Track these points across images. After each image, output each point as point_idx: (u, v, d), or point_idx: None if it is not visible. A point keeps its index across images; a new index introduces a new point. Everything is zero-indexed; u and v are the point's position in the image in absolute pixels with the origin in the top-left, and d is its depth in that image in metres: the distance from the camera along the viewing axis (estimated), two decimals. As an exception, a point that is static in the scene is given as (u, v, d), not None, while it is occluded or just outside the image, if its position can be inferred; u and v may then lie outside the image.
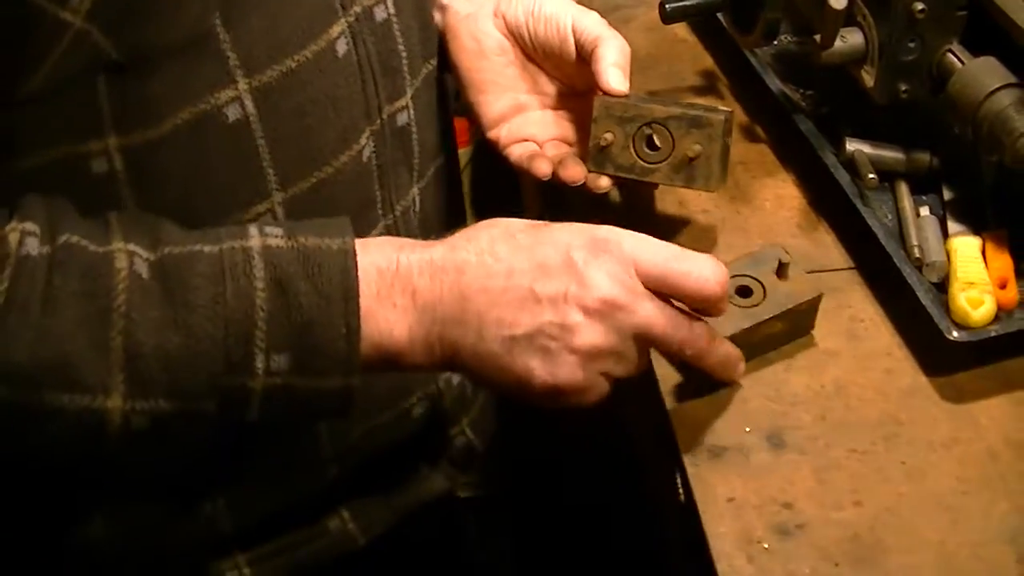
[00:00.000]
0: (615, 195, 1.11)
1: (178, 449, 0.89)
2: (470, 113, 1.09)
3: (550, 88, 1.09)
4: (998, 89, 0.97)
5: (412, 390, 1.06)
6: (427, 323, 0.83)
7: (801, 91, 1.20)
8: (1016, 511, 0.87)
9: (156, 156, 0.83)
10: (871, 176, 1.04)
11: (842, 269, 1.06)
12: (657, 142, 1.01)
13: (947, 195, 1.07)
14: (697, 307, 0.87)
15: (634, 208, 1.12)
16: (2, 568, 0.99)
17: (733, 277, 0.96)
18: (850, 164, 1.07)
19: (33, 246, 0.76)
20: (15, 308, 0.74)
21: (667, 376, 0.98)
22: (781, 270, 0.97)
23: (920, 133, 1.10)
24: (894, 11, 1.02)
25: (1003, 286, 0.97)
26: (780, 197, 1.14)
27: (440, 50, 1.08)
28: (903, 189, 1.08)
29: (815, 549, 0.85)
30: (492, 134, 1.07)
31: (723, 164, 1.01)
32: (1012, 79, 0.98)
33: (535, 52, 1.06)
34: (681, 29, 1.35)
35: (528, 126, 1.07)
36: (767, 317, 0.95)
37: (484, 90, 1.07)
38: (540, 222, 0.86)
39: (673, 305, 0.86)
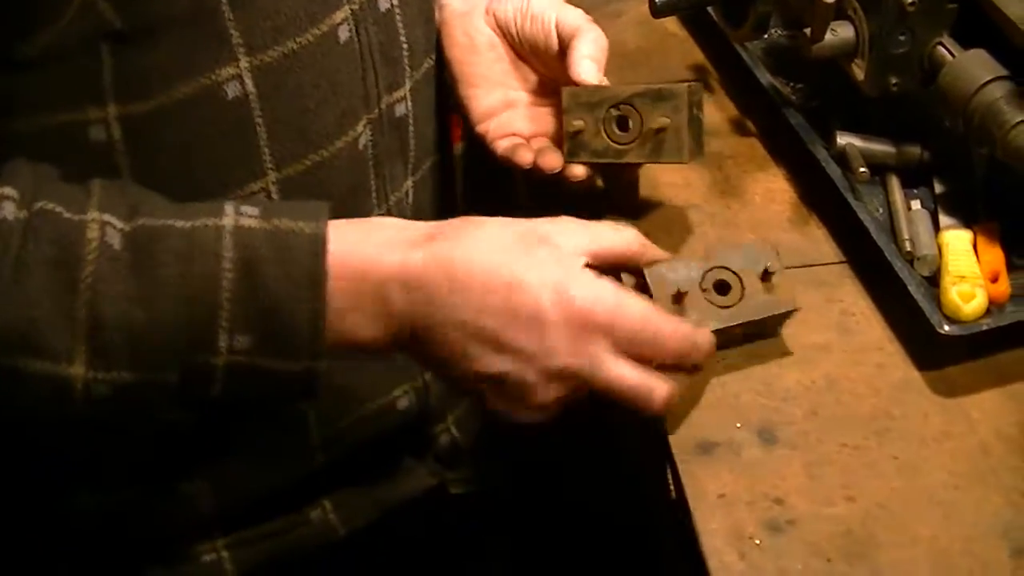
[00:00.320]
0: (598, 182, 1.10)
1: (144, 418, 0.89)
2: (460, 107, 1.09)
3: (539, 84, 1.10)
4: (989, 82, 0.97)
5: (398, 382, 1.06)
6: (394, 330, 0.84)
7: (792, 84, 1.20)
8: (1009, 505, 0.87)
9: (154, 128, 0.84)
10: (862, 170, 1.03)
11: (833, 263, 1.06)
12: (627, 123, 1.01)
13: (938, 188, 1.07)
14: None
15: (622, 205, 1.11)
16: None
17: (713, 269, 0.95)
18: (841, 158, 1.07)
19: (10, 211, 0.77)
20: None
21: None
22: (766, 276, 0.95)
23: (911, 126, 1.10)
24: (884, 4, 1.02)
25: (994, 279, 0.97)
26: (770, 191, 1.14)
27: (436, 45, 1.08)
28: (894, 182, 1.08)
29: (807, 545, 0.85)
30: (480, 128, 1.07)
31: (694, 136, 1.00)
32: (1003, 72, 0.97)
33: (523, 48, 1.07)
34: (671, 23, 1.34)
35: (515, 121, 1.08)
36: (737, 323, 0.94)
37: (474, 84, 1.08)
38: (530, 233, 0.86)
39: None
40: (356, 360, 0.99)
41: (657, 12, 1.16)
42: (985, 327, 0.94)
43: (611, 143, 1.01)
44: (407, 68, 1.00)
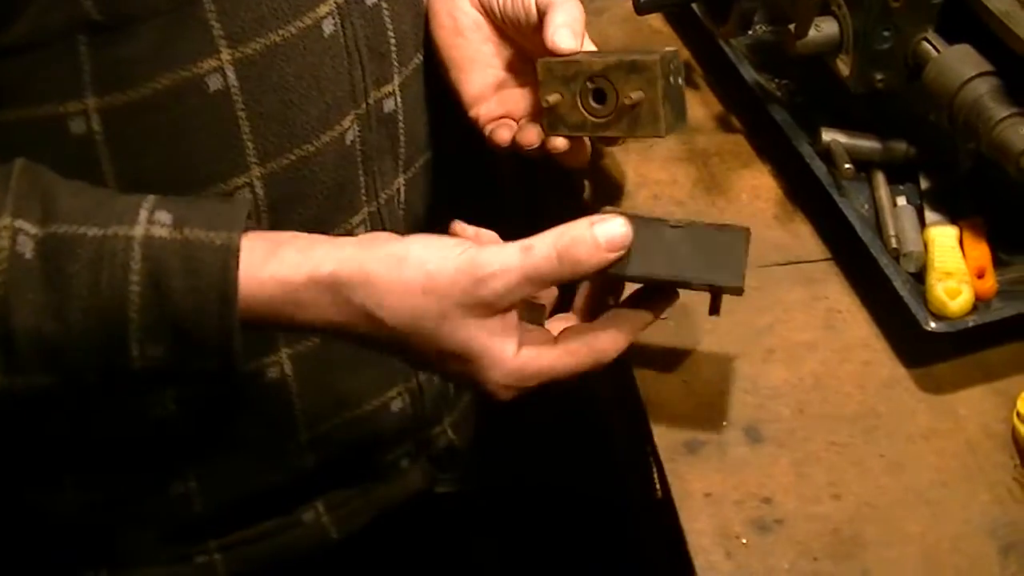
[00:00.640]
0: (582, 157, 1.08)
1: (71, 405, 0.91)
2: (451, 92, 1.07)
3: (527, 64, 1.06)
4: (974, 77, 0.97)
5: (391, 383, 1.06)
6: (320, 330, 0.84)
7: (777, 81, 1.19)
8: (996, 502, 0.87)
9: (135, 120, 0.84)
10: (847, 166, 1.03)
11: (819, 260, 1.06)
12: (604, 95, 0.98)
13: (924, 184, 1.06)
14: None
15: (605, 201, 1.11)
16: None
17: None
18: (826, 154, 1.07)
19: None
20: None
21: (643, 372, 0.97)
22: (713, 303, 0.88)
23: (896, 122, 1.09)
24: (868, 0, 1.01)
25: (981, 275, 0.97)
26: (756, 188, 1.13)
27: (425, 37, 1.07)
28: (880, 179, 1.08)
29: (794, 544, 0.85)
30: (472, 112, 1.05)
31: (671, 107, 0.98)
32: (987, 67, 0.97)
33: (507, 27, 1.05)
34: (656, 20, 1.34)
35: (507, 102, 1.05)
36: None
37: (462, 68, 1.05)
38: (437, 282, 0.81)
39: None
40: (349, 361, 0.99)
41: (641, 9, 1.15)
42: (971, 324, 0.94)
43: (588, 116, 0.99)
44: (395, 63, 0.99)
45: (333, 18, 0.91)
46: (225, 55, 0.85)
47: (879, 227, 1.03)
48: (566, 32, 0.98)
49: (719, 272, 0.84)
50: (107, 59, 0.82)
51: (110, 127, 0.84)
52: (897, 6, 1.01)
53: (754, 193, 1.13)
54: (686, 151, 1.17)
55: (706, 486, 0.89)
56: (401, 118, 1.01)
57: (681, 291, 0.87)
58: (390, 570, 1.15)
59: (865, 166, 1.08)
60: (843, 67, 1.06)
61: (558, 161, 1.02)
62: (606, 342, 0.84)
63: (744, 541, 0.85)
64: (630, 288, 0.88)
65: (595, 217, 0.81)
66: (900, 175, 1.08)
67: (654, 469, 0.93)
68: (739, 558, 0.84)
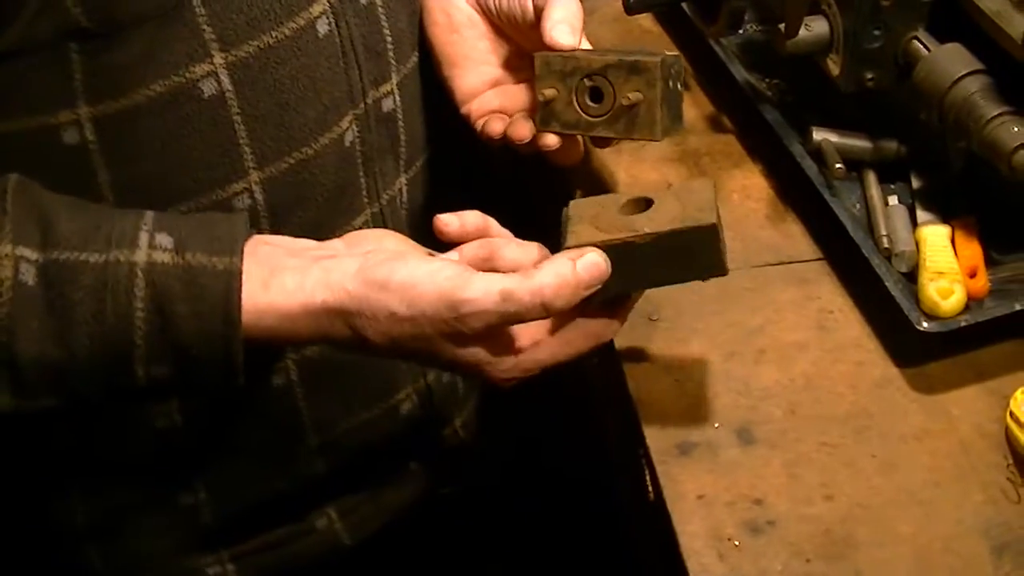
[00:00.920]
0: (574, 156, 1.07)
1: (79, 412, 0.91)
2: (445, 89, 1.06)
3: (521, 60, 1.05)
4: (964, 76, 0.96)
5: (400, 386, 1.05)
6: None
7: (767, 80, 1.19)
8: (989, 502, 0.86)
9: (129, 128, 0.83)
10: (838, 166, 1.03)
11: (811, 260, 1.05)
12: (601, 94, 0.97)
13: (915, 183, 1.06)
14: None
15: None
16: None
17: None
18: (817, 154, 1.06)
19: None
20: None
21: (634, 373, 0.97)
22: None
23: (887, 121, 1.09)
24: (859, -1, 1.01)
25: (973, 275, 0.97)
26: (747, 188, 1.13)
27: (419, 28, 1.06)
28: (871, 178, 1.07)
29: (786, 545, 0.84)
30: (465, 109, 1.04)
31: (669, 111, 0.97)
32: (978, 65, 0.97)
33: (502, 23, 1.04)
34: (646, 20, 1.34)
35: (500, 98, 1.04)
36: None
37: (457, 64, 1.04)
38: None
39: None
40: (355, 365, 0.99)
41: (631, 9, 1.15)
42: (964, 323, 0.94)
43: (583, 115, 0.98)
44: (393, 62, 0.99)
45: (327, 18, 0.90)
46: (218, 59, 0.84)
47: (871, 227, 1.03)
48: (565, 28, 0.97)
49: (698, 269, 0.85)
50: (98, 66, 0.81)
51: (104, 136, 0.83)
52: (887, 5, 1.01)
53: (745, 193, 1.12)
54: (677, 151, 1.17)
55: (698, 488, 0.88)
56: (401, 117, 1.01)
57: (671, 288, 0.88)
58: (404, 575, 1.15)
59: (856, 165, 1.08)
60: (833, 66, 1.06)
61: (549, 159, 1.01)
62: (600, 326, 0.86)
63: (736, 543, 0.85)
64: None
65: (572, 253, 0.82)
66: (891, 174, 1.08)
67: (646, 471, 0.93)
68: (732, 560, 0.84)
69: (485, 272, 0.82)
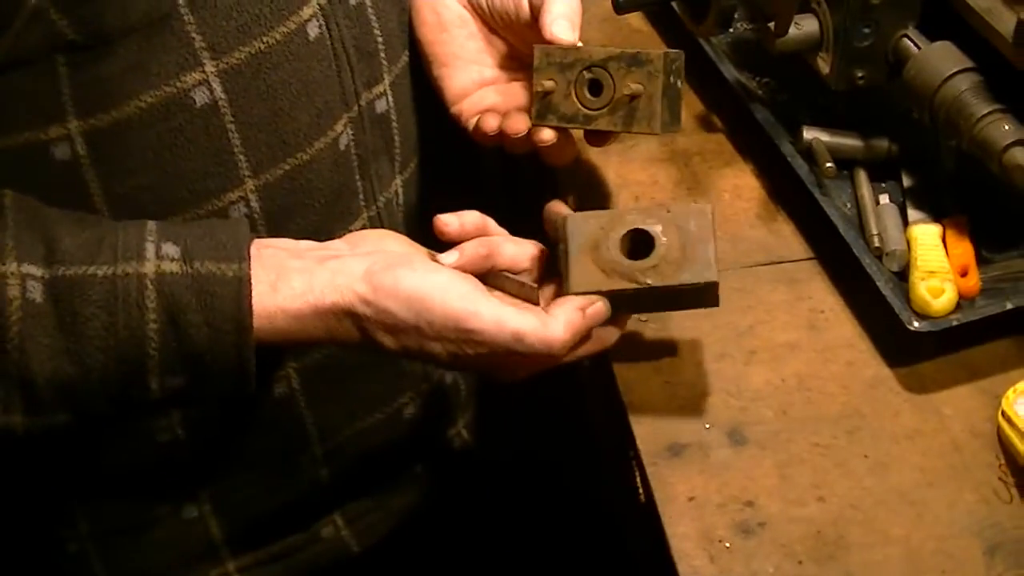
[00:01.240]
0: (568, 154, 1.06)
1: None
2: (435, 89, 1.06)
3: (513, 59, 1.05)
4: (955, 74, 0.96)
5: (402, 390, 1.05)
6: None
7: (758, 79, 1.19)
8: (982, 502, 0.86)
9: (121, 141, 0.83)
10: (828, 165, 1.02)
11: (802, 260, 1.05)
12: (600, 87, 0.96)
13: (906, 182, 1.06)
14: None
15: (587, 201, 1.10)
16: None
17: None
18: (807, 153, 1.06)
19: None
20: None
21: (624, 374, 0.96)
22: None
23: (878, 120, 1.09)
24: (848, -4, 1.01)
25: (964, 274, 0.96)
26: (738, 187, 1.12)
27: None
28: (862, 177, 1.07)
29: (778, 547, 0.84)
30: (455, 109, 1.03)
31: (669, 105, 0.96)
32: (969, 64, 0.96)
33: (495, 22, 1.03)
34: (636, 19, 1.33)
35: (490, 97, 1.03)
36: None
37: (446, 64, 1.03)
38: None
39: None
40: (357, 370, 0.98)
41: (620, 8, 1.14)
42: (955, 323, 0.93)
43: (581, 107, 0.96)
44: (384, 62, 0.98)
45: (317, 20, 0.90)
46: (209, 67, 0.84)
47: (862, 226, 1.02)
48: (564, 24, 0.96)
49: (694, 305, 0.91)
50: (87, 79, 0.80)
51: (96, 149, 0.82)
52: (877, 3, 1.00)
53: (736, 193, 1.12)
54: (667, 151, 1.16)
55: (689, 489, 0.88)
56: (394, 118, 1.00)
57: None
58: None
59: (847, 164, 1.08)
60: (824, 65, 1.06)
61: (543, 156, 0.99)
62: (602, 332, 0.89)
63: (727, 545, 0.84)
64: None
65: (581, 302, 0.86)
66: (882, 173, 1.08)
67: (636, 473, 0.92)
68: (723, 562, 0.83)
69: (492, 289, 0.86)
